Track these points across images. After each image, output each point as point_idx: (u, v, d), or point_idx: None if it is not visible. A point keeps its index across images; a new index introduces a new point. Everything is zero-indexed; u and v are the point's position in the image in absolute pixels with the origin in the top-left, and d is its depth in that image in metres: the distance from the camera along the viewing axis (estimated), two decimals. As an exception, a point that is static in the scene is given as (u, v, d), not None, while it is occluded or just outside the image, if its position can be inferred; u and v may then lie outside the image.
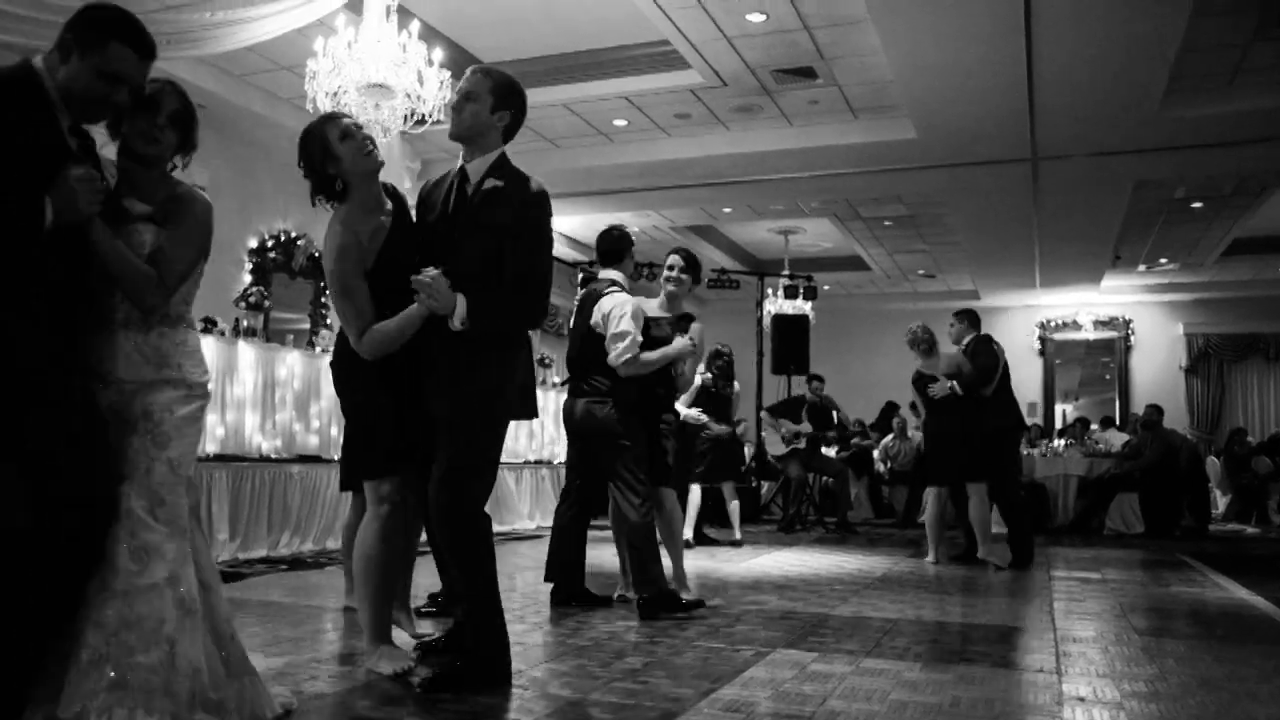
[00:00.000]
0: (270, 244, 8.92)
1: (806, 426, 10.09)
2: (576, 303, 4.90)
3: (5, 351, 2.12)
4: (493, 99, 3.07)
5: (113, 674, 2.17)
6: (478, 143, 3.09)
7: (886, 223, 12.02)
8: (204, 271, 2.57)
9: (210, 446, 5.94)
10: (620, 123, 8.85)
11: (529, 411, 3.50)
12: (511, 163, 3.12)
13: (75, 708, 2.14)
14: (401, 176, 8.24)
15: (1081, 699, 3.02)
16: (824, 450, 10.36)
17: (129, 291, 2.36)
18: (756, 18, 6.75)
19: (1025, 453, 11.26)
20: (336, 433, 7.04)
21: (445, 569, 3.86)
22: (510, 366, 3.04)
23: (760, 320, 12.76)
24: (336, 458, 7.00)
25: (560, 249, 12.64)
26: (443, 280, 2.84)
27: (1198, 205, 10.81)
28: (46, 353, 2.19)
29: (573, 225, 12.15)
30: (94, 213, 2.25)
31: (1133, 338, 15.54)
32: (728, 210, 11.57)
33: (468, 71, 3.17)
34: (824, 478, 10.62)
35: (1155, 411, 10.84)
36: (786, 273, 12.83)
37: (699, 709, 2.78)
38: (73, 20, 2.26)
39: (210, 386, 2.58)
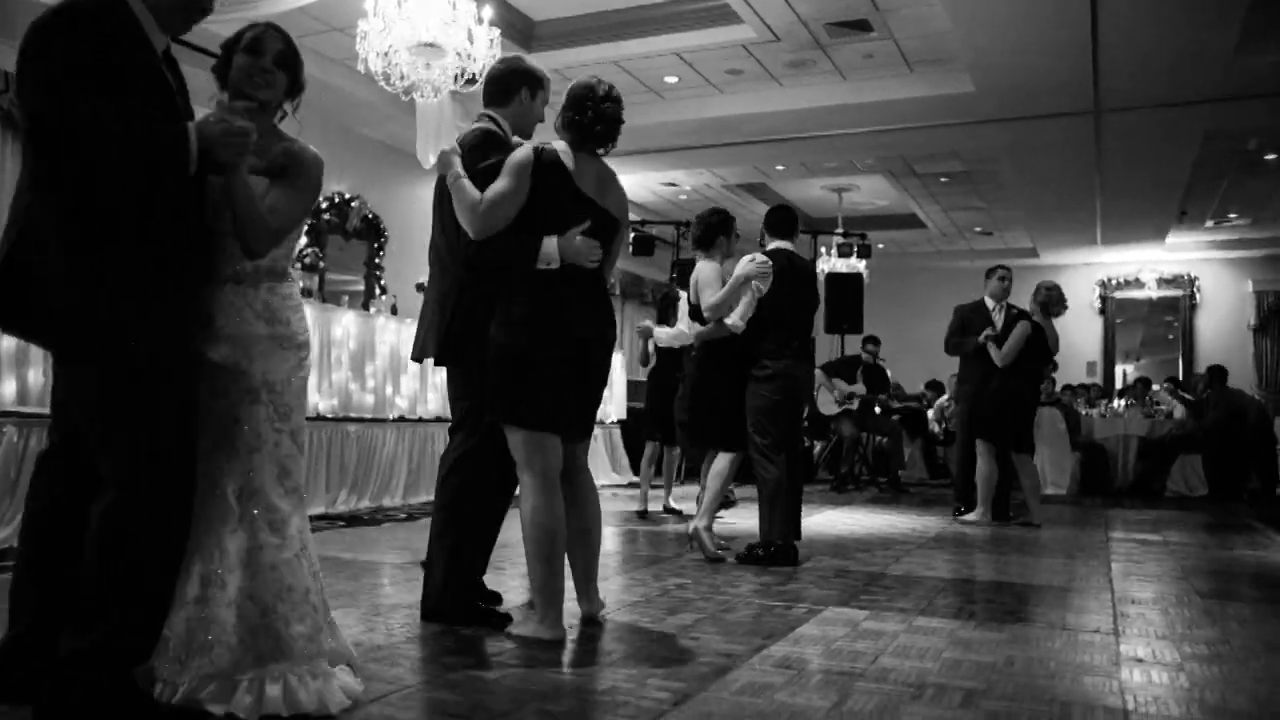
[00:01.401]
0: (325, 206, 9.01)
1: (860, 388, 10.02)
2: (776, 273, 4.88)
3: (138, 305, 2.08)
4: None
5: (275, 644, 2.22)
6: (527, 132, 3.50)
7: (942, 179, 11.78)
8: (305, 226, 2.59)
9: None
10: (671, 80, 8.75)
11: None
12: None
13: (247, 674, 2.17)
14: (453, 135, 8.22)
15: (1140, 660, 2.98)
16: (876, 410, 10.28)
17: (250, 240, 2.31)
18: (810, -31, 6.61)
19: (1084, 413, 11.09)
20: (391, 392, 7.14)
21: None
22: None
23: (813, 278, 12.61)
24: (392, 417, 7.12)
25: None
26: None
27: (1271, 157, 10.41)
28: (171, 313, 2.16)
29: (625, 184, 12.06)
30: (237, 163, 2.23)
31: (1198, 295, 15.09)
32: (780, 168, 11.43)
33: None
34: (877, 437, 10.55)
35: (1216, 373, 10.57)
36: (840, 231, 12.66)
37: (750, 664, 2.80)
38: None
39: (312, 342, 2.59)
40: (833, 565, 4.78)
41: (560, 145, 3.18)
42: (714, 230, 5.11)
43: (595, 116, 3.14)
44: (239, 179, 2.26)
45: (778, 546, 4.74)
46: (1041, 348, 7.03)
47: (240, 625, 2.21)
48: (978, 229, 14.32)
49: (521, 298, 3.04)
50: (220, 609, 2.22)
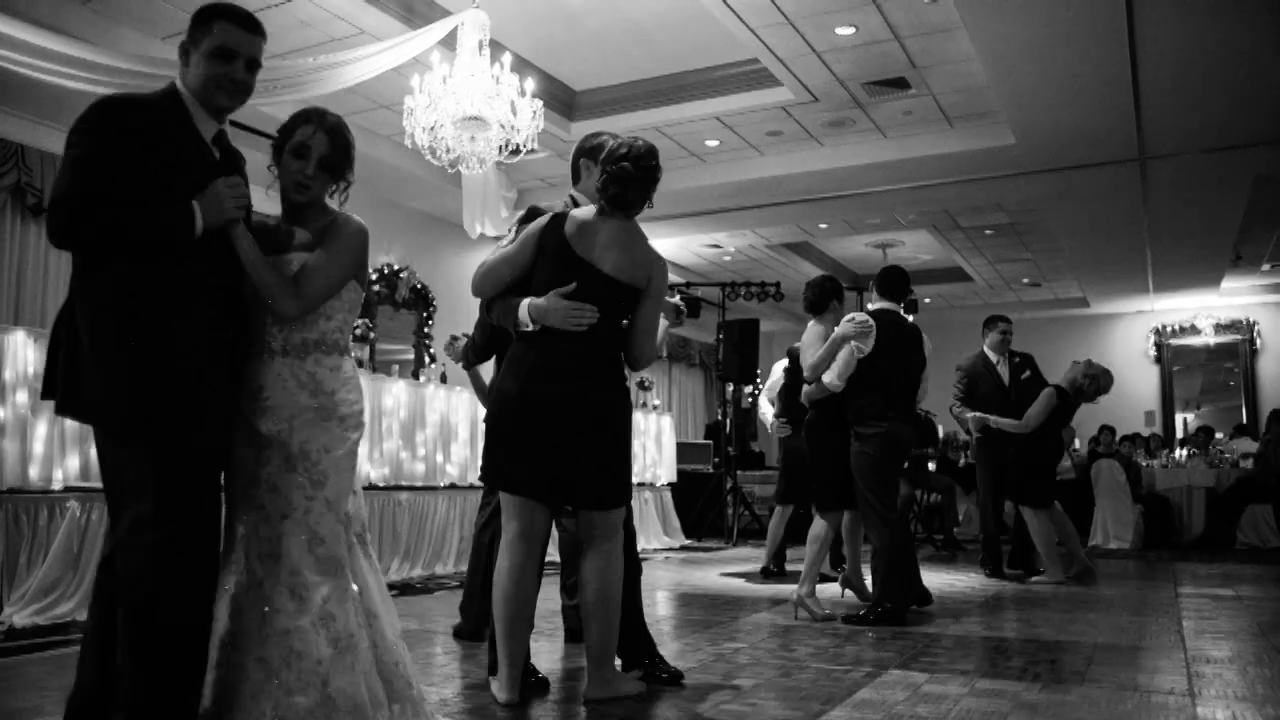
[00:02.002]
0: (375, 277, 9.20)
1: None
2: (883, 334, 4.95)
3: (166, 347, 2.22)
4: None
5: (271, 713, 2.23)
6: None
7: (988, 232, 11.72)
8: (361, 301, 2.62)
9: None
10: (712, 143, 8.86)
11: None
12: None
13: None
14: (499, 206, 8.39)
15: (1218, 722, 2.85)
16: (930, 466, 10.12)
17: (269, 297, 2.41)
18: (846, 30, 6.69)
19: (1145, 464, 10.80)
20: (441, 459, 7.18)
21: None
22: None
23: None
24: (443, 485, 7.15)
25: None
26: None
27: (1325, 199, 10.23)
28: (205, 357, 2.30)
29: (669, 248, 12.20)
30: (237, 217, 2.37)
31: (1259, 340, 14.74)
32: (824, 226, 11.45)
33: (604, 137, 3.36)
34: (931, 494, 10.37)
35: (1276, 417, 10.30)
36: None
37: (810, 731, 2.73)
38: (187, 28, 2.42)
39: (364, 416, 2.61)
40: (890, 628, 4.66)
41: (587, 209, 3.16)
42: (828, 295, 5.25)
43: (607, 178, 3.06)
44: (237, 233, 2.38)
45: (887, 609, 4.70)
46: (1065, 414, 6.77)
47: (246, 687, 2.26)
48: (1025, 280, 14.19)
49: (505, 360, 3.11)
50: (231, 671, 2.29)
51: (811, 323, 5.25)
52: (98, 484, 4.86)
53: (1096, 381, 6.67)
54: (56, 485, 4.74)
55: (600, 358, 3.04)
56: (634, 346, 3.12)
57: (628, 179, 3.04)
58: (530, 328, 2.97)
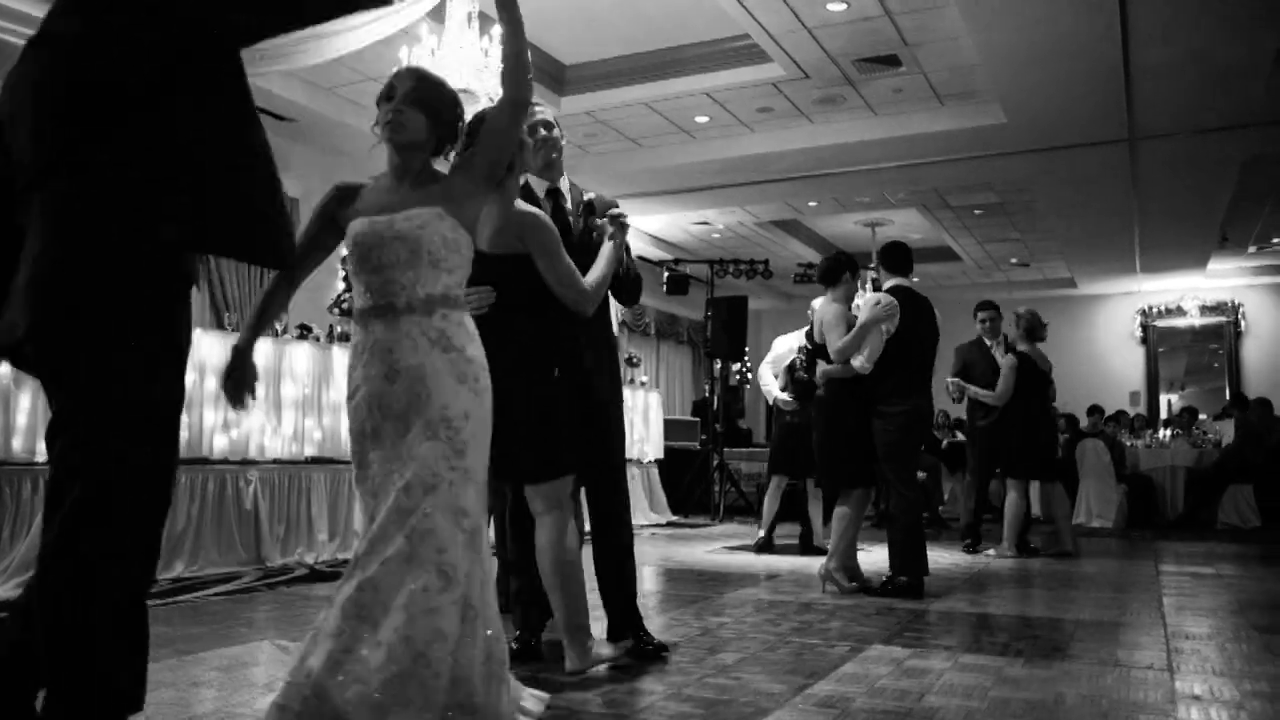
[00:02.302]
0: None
1: None
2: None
3: None
4: (556, 124, 3.36)
5: (422, 694, 2.09)
6: (560, 165, 3.35)
7: (976, 211, 11.72)
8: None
9: (308, 449, 6.10)
10: (702, 119, 8.82)
11: None
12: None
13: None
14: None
15: (1197, 697, 2.89)
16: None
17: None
18: (837, 7, 6.65)
19: (1129, 444, 10.88)
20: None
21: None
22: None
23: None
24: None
25: (645, 248, 12.67)
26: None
27: (1312, 181, 10.26)
28: None
29: (658, 224, 12.17)
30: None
31: (1243, 323, 14.83)
32: (813, 204, 11.43)
33: (536, 108, 3.25)
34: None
35: (1261, 404, 10.44)
36: (874, 266, 12.61)
37: (793, 705, 2.75)
38: None
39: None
40: (875, 602, 4.70)
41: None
42: (840, 268, 5.24)
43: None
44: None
45: (904, 582, 4.84)
46: (1035, 374, 6.95)
47: (388, 665, 2.09)
48: (1014, 260, 14.21)
49: None
50: (367, 648, 2.11)
51: (824, 299, 5.27)
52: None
53: (1035, 317, 6.96)
54: (40, 457, 4.72)
55: (519, 336, 2.99)
56: (561, 298, 2.94)
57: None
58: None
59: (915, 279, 5.49)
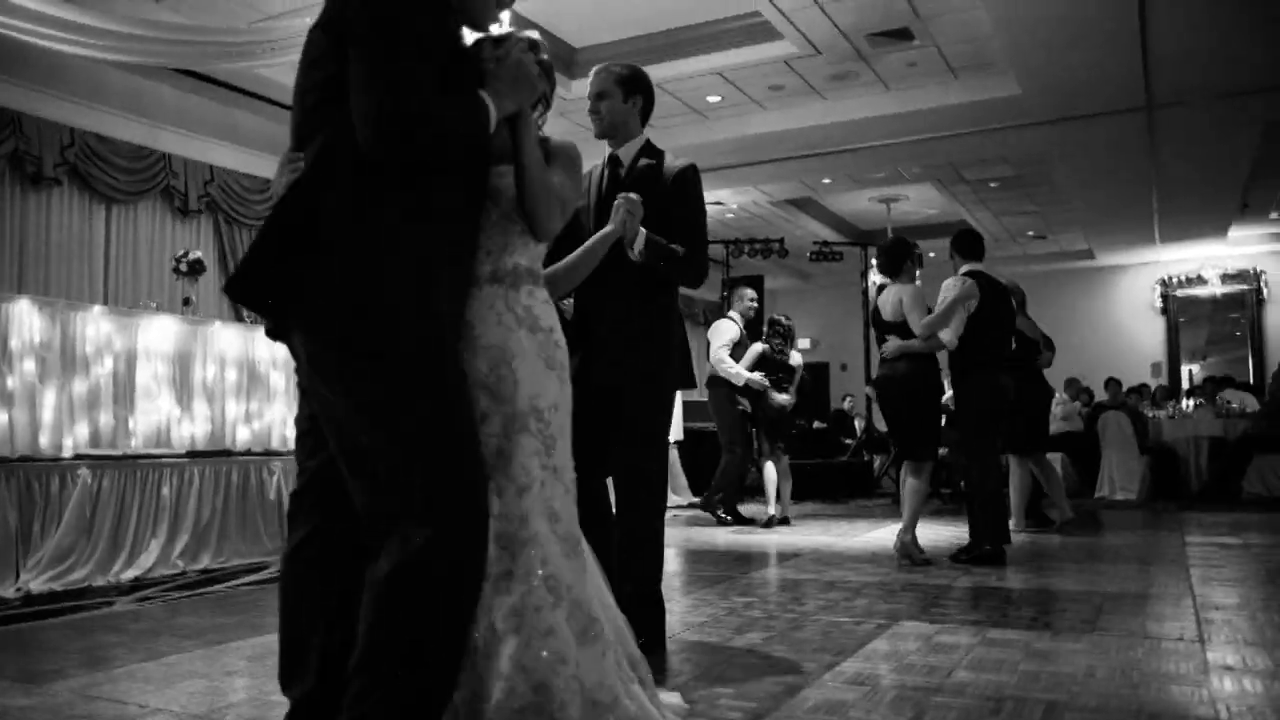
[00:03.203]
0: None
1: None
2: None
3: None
4: (622, 90, 3.37)
5: None
6: (621, 132, 3.38)
7: (992, 184, 11.62)
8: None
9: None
10: (714, 99, 8.77)
11: (690, 380, 3.36)
12: (655, 145, 3.40)
13: None
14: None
15: (1230, 668, 2.87)
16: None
17: (543, 212, 2.01)
18: (848, -19, 6.59)
19: (1151, 415, 10.80)
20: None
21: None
22: (675, 332, 3.23)
23: (865, 292, 12.53)
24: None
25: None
26: (639, 204, 2.93)
27: (1334, 145, 10.12)
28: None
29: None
30: (530, 103, 2.00)
31: (1266, 290, 14.66)
32: (827, 181, 11.37)
33: (592, 73, 3.40)
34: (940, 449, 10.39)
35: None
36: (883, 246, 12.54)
37: (822, 682, 2.75)
38: None
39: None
40: (901, 579, 4.69)
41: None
42: (900, 256, 5.54)
43: None
44: (528, 128, 1.99)
45: (988, 551, 5.12)
46: (1023, 343, 6.49)
47: (509, 702, 1.81)
48: (1031, 233, 14.10)
49: None
50: (487, 681, 1.84)
51: (894, 285, 5.51)
52: (108, 451, 4.91)
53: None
54: (67, 453, 4.77)
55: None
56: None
57: None
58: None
59: (930, 255, 5.70)
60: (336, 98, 1.78)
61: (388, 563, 1.70)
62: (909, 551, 5.22)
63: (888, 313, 5.47)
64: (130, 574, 4.84)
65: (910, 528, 5.25)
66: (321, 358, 1.77)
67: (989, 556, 5.11)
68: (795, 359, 7.58)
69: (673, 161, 3.30)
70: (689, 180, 3.27)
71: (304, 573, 1.97)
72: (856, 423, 12.86)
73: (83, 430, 4.86)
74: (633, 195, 2.94)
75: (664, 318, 3.19)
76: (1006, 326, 5.60)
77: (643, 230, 2.97)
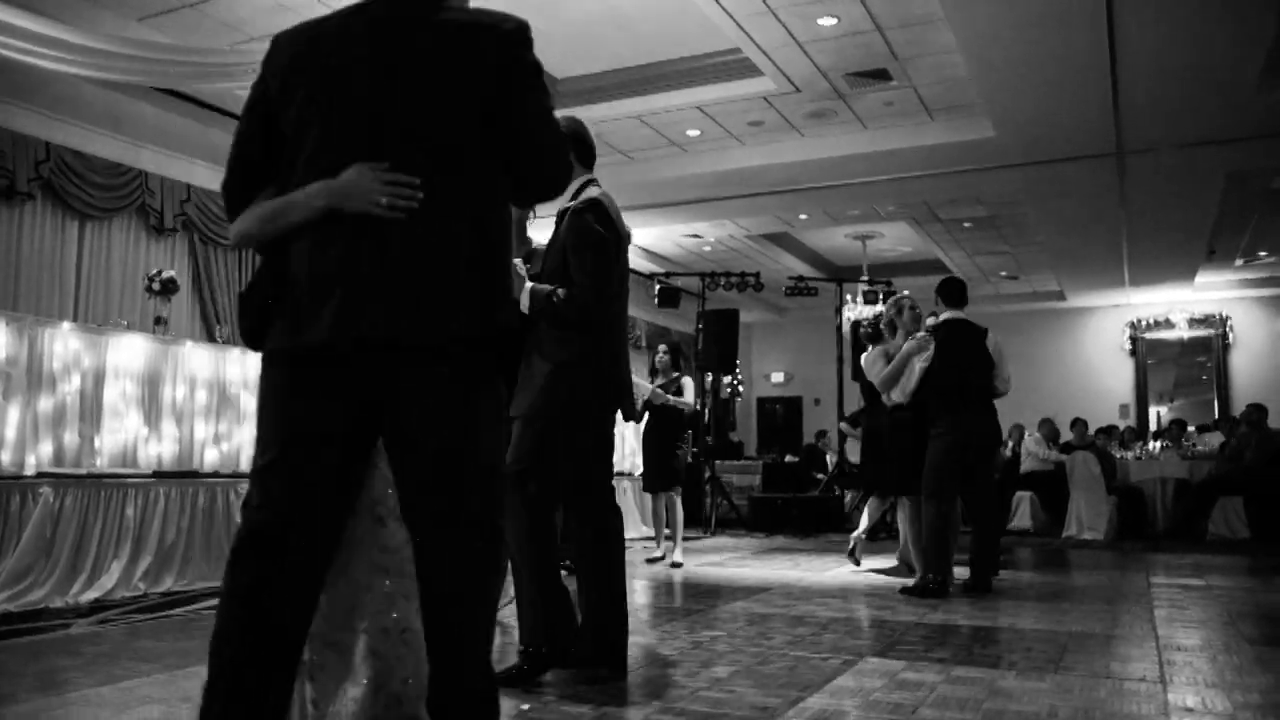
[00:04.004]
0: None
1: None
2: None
3: None
4: None
5: None
6: None
7: (966, 224, 11.78)
8: None
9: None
10: (693, 133, 8.85)
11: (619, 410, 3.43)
12: (594, 185, 3.33)
13: None
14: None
15: (1189, 709, 2.89)
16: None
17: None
18: (828, 21, 6.69)
19: (1119, 456, 10.91)
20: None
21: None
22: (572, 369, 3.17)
23: (840, 328, 12.61)
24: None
25: (636, 261, 12.68)
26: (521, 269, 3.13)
27: (1298, 195, 10.34)
28: None
29: (648, 238, 12.18)
30: None
31: (1231, 335, 14.92)
32: (804, 217, 11.48)
33: None
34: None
35: (1257, 410, 10.39)
36: (865, 278, 12.67)
37: (786, 718, 2.74)
38: None
39: None
40: (868, 615, 4.70)
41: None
42: (879, 334, 6.38)
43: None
44: None
45: (935, 582, 5.30)
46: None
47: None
48: (1003, 273, 14.28)
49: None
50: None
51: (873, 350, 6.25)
52: (72, 470, 4.84)
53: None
54: (29, 470, 4.70)
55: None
56: None
57: None
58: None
59: (904, 292, 6.13)
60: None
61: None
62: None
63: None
64: (90, 595, 4.75)
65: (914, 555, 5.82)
66: None
67: (934, 589, 5.28)
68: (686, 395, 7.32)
69: (582, 199, 3.25)
70: (575, 220, 3.19)
71: None
72: (828, 458, 12.90)
73: (46, 448, 4.79)
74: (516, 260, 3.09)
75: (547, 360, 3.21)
76: (975, 374, 5.63)
77: (528, 284, 3.12)
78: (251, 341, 1.93)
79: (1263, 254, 12.86)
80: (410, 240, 1.80)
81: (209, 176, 8.26)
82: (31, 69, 5.85)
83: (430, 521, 1.82)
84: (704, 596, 5.40)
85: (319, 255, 1.83)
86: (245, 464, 5.74)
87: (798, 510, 10.42)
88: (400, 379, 1.80)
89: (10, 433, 4.65)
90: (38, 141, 7.16)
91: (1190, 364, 15.36)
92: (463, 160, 1.85)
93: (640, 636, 4.09)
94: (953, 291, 5.89)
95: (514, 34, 1.89)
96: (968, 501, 5.84)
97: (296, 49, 1.95)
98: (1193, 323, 15.12)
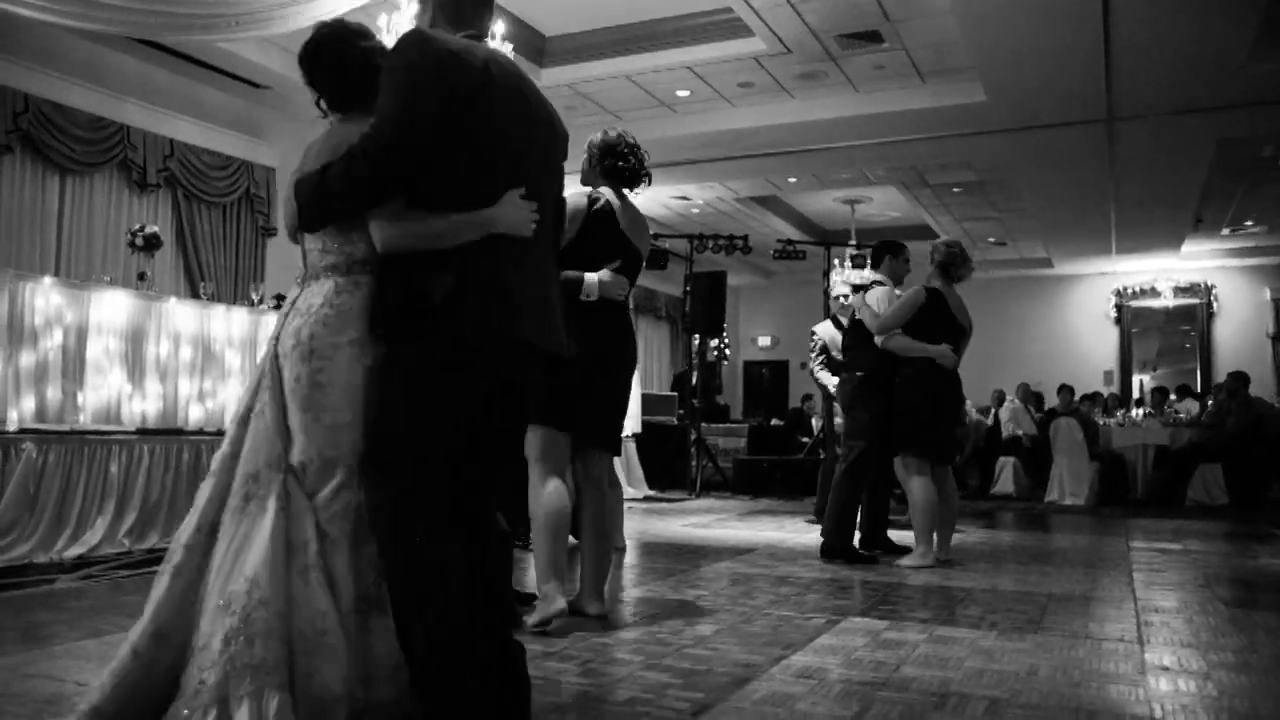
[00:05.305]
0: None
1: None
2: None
3: None
4: None
5: None
6: None
7: (955, 190, 11.76)
8: None
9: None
10: (683, 93, 8.77)
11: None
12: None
13: None
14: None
15: (1165, 668, 2.94)
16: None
17: None
18: (820, -19, 6.62)
19: (1101, 422, 11.00)
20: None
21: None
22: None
23: (826, 291, 12.61)
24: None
25: (624, 223, 12.61)
26: None
27: (1286, 164, 10.35)
28: None
29: (637, 199, 12.08)
30: None
31: (1216, 304, 14.99)
32: (793, 180, 11.42)
33: None
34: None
35: (1238, 378, 10.47)
36: (853, 243, 12.65)
37: (770, 675, 2.77)
38: None
39: None
40: (852, 576, 4.74)
41: (606, 192, 3.58)
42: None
43: (637, 163, 3.69)
44: None
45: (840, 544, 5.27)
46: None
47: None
48: (991, 239, 14.28)
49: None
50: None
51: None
52: (55, 426, 4.80)
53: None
54: (11, 426, 4.66)
55: (629, 319, 3.62)
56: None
57: (643, 163, 3.80)
58: (593, 297, 3.39)
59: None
60: None
61: None
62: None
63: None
64: (74, 552, 4.75)
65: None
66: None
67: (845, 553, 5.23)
68: None
69: None
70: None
71: None
72: (814, 421, 12.96)
73: (29, 403, 4.76)
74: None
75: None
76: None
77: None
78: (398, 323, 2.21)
79: (1249, 223, 12.89)
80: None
81: (193, 132, 8.13)
82: (8, 16, 5.73)
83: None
84: (689, 557, 5.43)
85: (514, 272, 2.18)
86: (229, 422, 5.71)
87: (782, 473, 10.48)
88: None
89: (-11, 388, 4.61)
90: (16, 93, 7.03)
91: (1174, 332, 15.45)
92: None
93: (625, 594, 4.12)
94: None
95: None
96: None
97: (495, 90, 2.20)
98: (1178, 291, 15.18)
